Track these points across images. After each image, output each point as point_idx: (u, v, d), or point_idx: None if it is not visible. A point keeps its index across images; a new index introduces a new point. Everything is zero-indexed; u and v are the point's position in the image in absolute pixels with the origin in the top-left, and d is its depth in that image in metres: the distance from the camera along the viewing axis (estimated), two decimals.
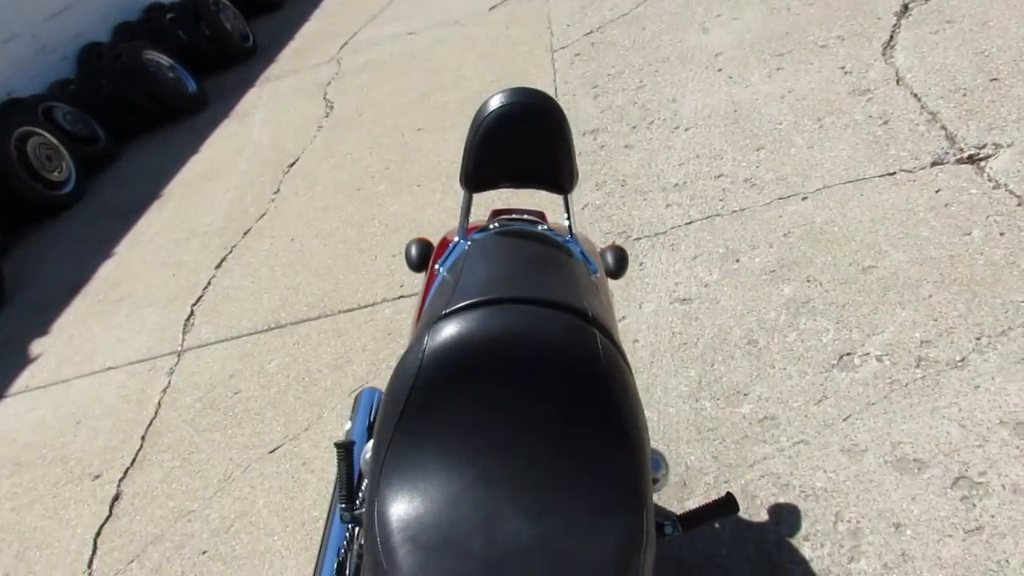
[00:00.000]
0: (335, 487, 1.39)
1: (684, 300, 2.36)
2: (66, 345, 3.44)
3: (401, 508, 0.94)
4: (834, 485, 1.71)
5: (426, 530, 0.91)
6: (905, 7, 3.50)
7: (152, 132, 5.99)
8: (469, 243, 1.31)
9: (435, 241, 1.57)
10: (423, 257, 1.54)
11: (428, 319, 1.13)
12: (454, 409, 1.01)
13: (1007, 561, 1.46)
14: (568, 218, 1.42)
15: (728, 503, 1.34)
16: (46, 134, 5.07)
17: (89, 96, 5.85)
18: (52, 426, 2.90)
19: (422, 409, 1.02)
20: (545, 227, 1.36)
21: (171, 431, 2.64)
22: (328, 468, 2.26)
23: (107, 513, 2.39)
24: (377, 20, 6.66)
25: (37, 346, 3.52)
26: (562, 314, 1.08)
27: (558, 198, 1.41)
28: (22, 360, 3.44)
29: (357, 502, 1.35)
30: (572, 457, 0.97)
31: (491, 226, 1.35)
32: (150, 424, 2.71)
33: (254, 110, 5.62)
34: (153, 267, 3.86)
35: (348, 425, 1.52)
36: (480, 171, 1.29)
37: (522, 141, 1.27)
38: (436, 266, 1.33)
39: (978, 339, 1.89)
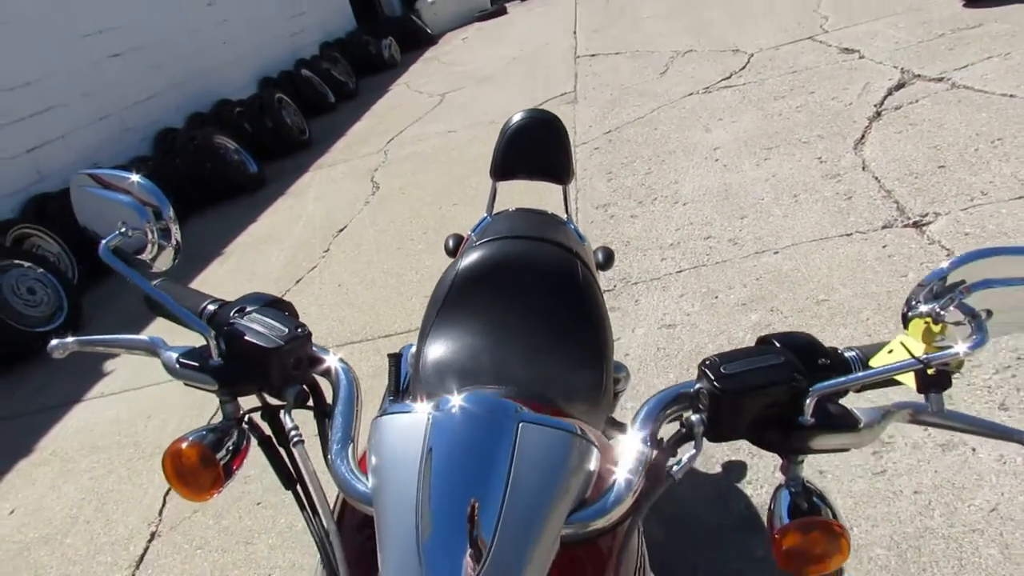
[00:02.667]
0: (386, 390, 1.84)
1: (669, 326, 2.83)
2: (137, 361, 3.94)
3: (439, 359, 1.40)
4: None
5: (455, 373, 1.38)
6: (878, 113, 4.10)
7: (215, 205, 6.68)
8: (492, 217, 1.82)
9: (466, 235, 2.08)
10: (457, 245, 2.05)
11: (461, 253, 1.63)
12: (477, 302, 1.49)
13: (901, 491, 1.86)
14: (566, 204, 1.93)
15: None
16: None
17: (163, 171, 6.58)
18: (125, 420, 3.37)
19: (455, 303, 1.50)
20: (550, 211, 1.87)
21: None
22: None
23: None
24: (421, 121, 7.45)
25: (110, 364, 4.03)
26: (555, 247, 1.57)
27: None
28: (96, 374, 3.94)
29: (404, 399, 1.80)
30: (556, 334, 1.44)
31: (509, 209, 1.86)
32: (212, 416, 3.17)
33: (308, 189, 6.30)
34: None
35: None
36: (503, 165, 1.82)
37: (534, 144, 1.80)
38: (470, 233, 1.83)
39: None
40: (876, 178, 3.40)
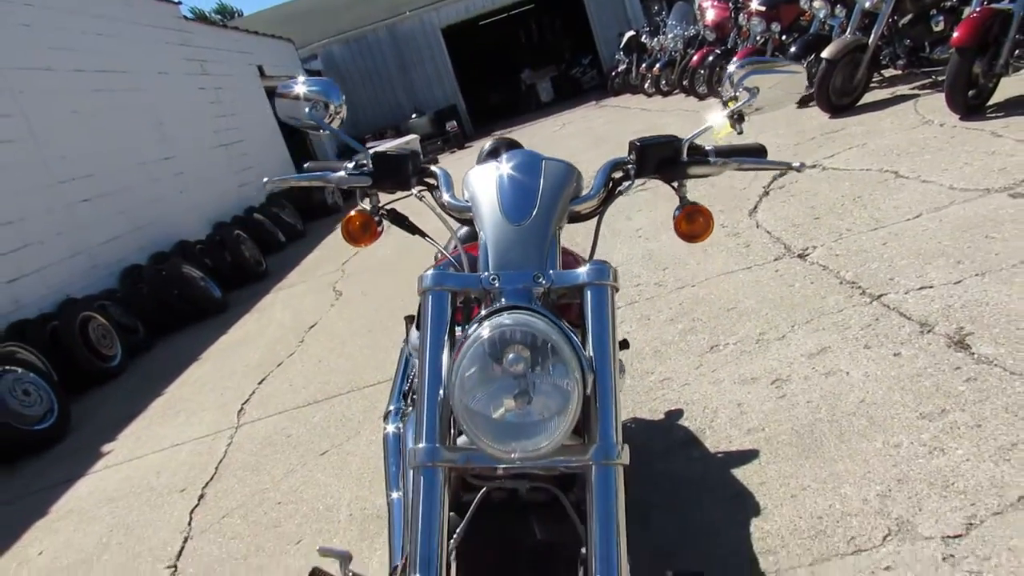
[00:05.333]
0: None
1: None
2: (135, 441, 4.29)
3: None
4: (704, 398, 2.71)
5: None
6: (766, 192, 4.99)
7: (181, 330, 7.09)
8: None
9: None
10: None
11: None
12: None
13: (797, 403, 2.46)
14: None
15: (623, 343, 2.36)
16: (102, 319, 6.18)
17: (130, 300, 7.04)
18: (135, 477, 3.71)
19: None
20: None
21: (238, 461, 3.49)
22: (367, 455, 3.14)
23: (196, 503, 3.19)
24: (373, 246, 8.13)
25: (108, 447, 4.35)
26: None
27: None
28: (95, 455, 4.25)
29: None
30: None
31: None
32: (221, 460, 3.56)
33: (273, 305, 6.83)
34: (202, 393, 4.80)
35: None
36: None
37: None
38: None
39: (792, 326, 3.00)
40: (768, 231, 4.20)
